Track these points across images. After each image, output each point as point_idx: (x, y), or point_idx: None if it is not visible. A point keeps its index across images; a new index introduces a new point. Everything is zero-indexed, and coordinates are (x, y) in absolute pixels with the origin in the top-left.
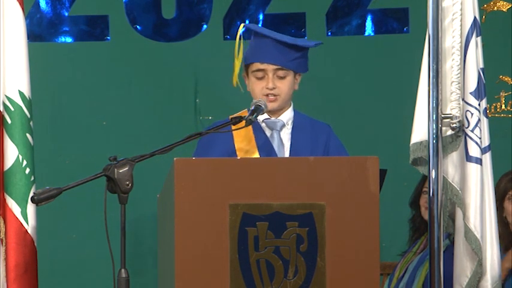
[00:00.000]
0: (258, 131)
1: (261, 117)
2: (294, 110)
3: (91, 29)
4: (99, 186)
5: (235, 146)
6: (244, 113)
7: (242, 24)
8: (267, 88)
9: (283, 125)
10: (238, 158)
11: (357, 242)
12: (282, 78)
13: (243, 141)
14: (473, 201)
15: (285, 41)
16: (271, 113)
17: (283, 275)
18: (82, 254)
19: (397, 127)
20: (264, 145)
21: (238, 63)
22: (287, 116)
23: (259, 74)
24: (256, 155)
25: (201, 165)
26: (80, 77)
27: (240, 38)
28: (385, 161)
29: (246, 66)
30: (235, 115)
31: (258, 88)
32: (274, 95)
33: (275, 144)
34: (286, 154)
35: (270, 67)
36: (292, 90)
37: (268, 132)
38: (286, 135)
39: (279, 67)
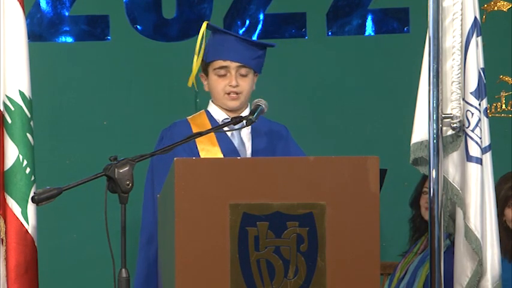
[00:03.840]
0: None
1: (220, 117)
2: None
3: (91, 29)
4: (99, 186)
5: (198, 146)
6: (202, 113)
7: (205, 22)
8: (230, 86)
9: (243, 125)
10: (239, 158)
11: (357, 241)
12: (244, 76)
13: (204, 141)
14: (474, 201)
15: (247, 38)
16: (230, 112)
17: (283, 275)
18: (82, 253)
19: (397, 127)
20: (225, 144)
21: (198, 62)
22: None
23: (222, 72)
24: (219, 153)
25: (201, 165)
26: (81, 77)
27: (202, 37)
28: (386, 160)
29: (206, 64)
30: (192, 116)
31: (220, 86)
32: (237, 93)
33: (236, 143)
34: (248, 152)
35: (232, 64)
36: (251, 89)
37: (228, 132)
38: (246, 134)
39: (242, 65)
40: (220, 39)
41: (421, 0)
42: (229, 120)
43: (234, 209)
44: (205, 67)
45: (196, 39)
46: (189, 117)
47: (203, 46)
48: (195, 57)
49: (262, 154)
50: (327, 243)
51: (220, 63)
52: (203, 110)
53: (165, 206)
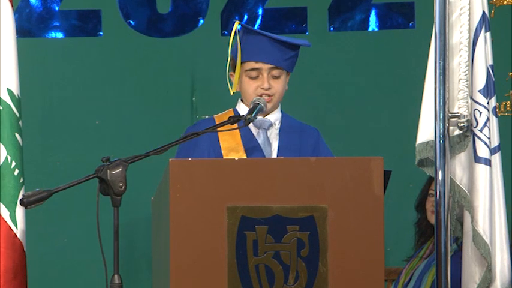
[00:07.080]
0: (244, 129)
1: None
2: (282, 112)
3: (83, 24)
4: (91, 188)
5: (221, 144)
6: (230, 112)
7: (237, 22)
8: (262, 88)
9: (271, 125)
10: (236, 158)
11: (360, 246)
12: (276, 77)
13: (228, 139)
14: (482, 204)
15: (280, 39)
16: (261, 113)
17: (283, 281)
18: (73, 258)
19: (402, 126)
20: (250, 143)
21: (239, 68)
22: (274, 116)
23: (254, 74)
24: (242, 153)
25: (197, 167)
26: (72, 74)
27: (235, 37)
28: (390, 161)
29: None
30: (219, 114)
31: (251, 88)
32: (269, 95)
33: (261, 143)
34: (274, 153)
35: (265, 66)
36: (284, 90)
37: (254, 131)
38: (273, 135)
39: (274, 66)
40: (252, 39)
41: None
42: (229, 119)
43: (232, 212)
44: (236, 67)
45: (192, 35)
46: (216, 115)
47: (239, 47)
48: (238, 60)
49: (288, 154)
50: (328, 248)
51: (252, 64)
52: (231, 109)
53: (159, 209)
